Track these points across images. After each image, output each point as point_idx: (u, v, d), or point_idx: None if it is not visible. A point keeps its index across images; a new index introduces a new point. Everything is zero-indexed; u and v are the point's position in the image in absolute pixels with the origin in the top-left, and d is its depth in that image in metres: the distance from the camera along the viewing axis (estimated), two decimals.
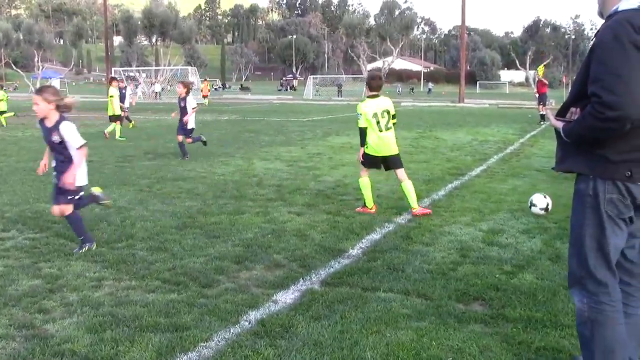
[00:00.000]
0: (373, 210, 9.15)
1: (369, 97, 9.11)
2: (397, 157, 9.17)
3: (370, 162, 9.18)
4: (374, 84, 9.09)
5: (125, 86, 25.66)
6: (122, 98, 24.35)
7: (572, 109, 3.69)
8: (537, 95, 30.01)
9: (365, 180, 9.19)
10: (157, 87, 69.31)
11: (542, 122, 28.65)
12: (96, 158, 15.06)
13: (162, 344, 4.54)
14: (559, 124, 3.72)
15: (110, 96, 21.63)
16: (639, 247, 3.77)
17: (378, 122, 8.92)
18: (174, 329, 4.81)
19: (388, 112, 8.98)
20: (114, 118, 21.53)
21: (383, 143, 8.98)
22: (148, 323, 4.91)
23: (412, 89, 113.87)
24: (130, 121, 25.41)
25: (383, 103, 9.00)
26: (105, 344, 4.51)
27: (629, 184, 3.50)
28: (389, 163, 9.17)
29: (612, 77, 3.28)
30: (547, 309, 5.29)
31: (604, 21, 3.59)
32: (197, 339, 4.62)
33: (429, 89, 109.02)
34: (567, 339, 4.70)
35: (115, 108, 21.50)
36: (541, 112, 29.19)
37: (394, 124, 9.14)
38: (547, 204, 8.96)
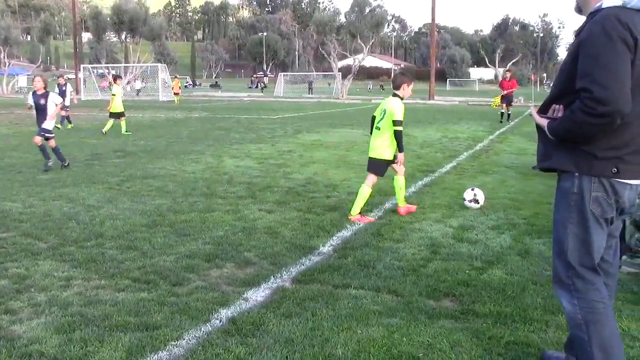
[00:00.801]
0: (414, 208, 9.03)
1: (393, 94, 8.69)
2: (374, 161, 8.66)
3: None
4: (392, 80, 8.83)
5: (66, 83, 24.72)
6: (62, 95, 23.93)
7: (555, 106, 3.63)
8: (505, 92, 29.77)
9: (399, 179, 8.91)
10: (138, 85, 68.65)
11: (501, 121, 28.63)
12: (65, 156, 14.89)
13: (133, 343, 4.50)
14: (544, 121, 3.63)
15: (113, 94, 22.29)
16: (615, 246, 3.79)
17: (377, 120, 8.70)
18: (144, 328, 4.77)
19: (384, 112, 8.54)
20: (114, 115, 21.98)
21: (371, 142, 8.75)
22: (118, 322, 4.87)
23: (382, 87, 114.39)
24: (70, 122, 24.57)
25: (387, 103, 8.59)
26: (74, 345, 4.46)
27: (614, 181, 3.45)
28: (369, 164, 8.80)
29: (602, 71, 3.24)
30: (516, 304, 5.34)
31: (584, 18, 3.56)
32: (168, 338, 4.59)
33: None
34: (536, 333, 4.75)
35: (117, 105, 21.99)
36: (503, 111, 29.14)
37: (394, 131, 8.42)
38: (475, 195, 9.30)
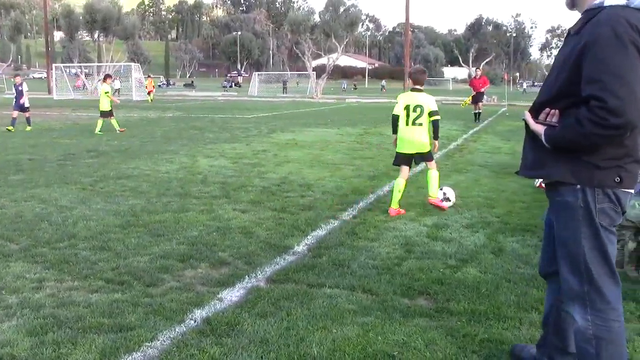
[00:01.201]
0: (403, 211, 8.96)
1: (412, 89, 9.11)
2: (423, 155, 9.17)
3: (399, 159, 9.18)
4: (413, 77, 9.18)
5: (22, 82, 23.58)
6: (18, 96, 23.33)
7: (551, 110, 3.37)
8: (483, 89, 29.24)
9: (400, 182, 9.00)
10: (117, 84, 67.88)
11: (477, 121, 28.40)
12: (37, 156, 14.78)
13: (106, 345, 4.47)
14: (540, 128, 3.37)
15: (106, 92, 22.53)
16: None
17: (408, 115, 8.95)
18: (118, 330, 4.74)
19: (421, 108, 8.91)
20: (105, 114, 22.15)
21: (406, 138, 8.98)
22: (91, 324, 4.83)
23: (355, 86, 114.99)
24: (13, 127, 22.51)
25: (419, 98, 8.96)
26: (46, 347, 4.41)
27: (617, 191, 3.28)
28: (416, 159, 9.24)
29: (613, 79, 3.00)
30: (490, 302, 5.37)
31: (580, 15, 3.34)
32: (142, 339, 4.56)
33: (382, 86, 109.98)
34: (509, 330, 4.78)
35: (105, 104, 22.17)
36: (476, 111, 28.96)
37: (433, 121, 9.04)
38: (444, 194, 9.42)
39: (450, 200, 9.26)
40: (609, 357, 3.38)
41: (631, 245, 6.16)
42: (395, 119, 9.10)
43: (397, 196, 8.96)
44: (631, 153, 3.26)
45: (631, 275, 6.08)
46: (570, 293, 3.48)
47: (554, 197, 3.50)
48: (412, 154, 9.07)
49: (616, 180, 3.25)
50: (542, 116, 3.41)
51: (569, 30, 3.42)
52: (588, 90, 3.08)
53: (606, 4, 3.18)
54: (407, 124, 8.96)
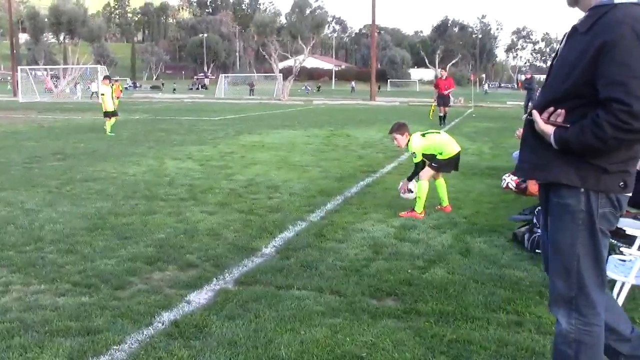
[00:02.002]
0: (422, 215, 8.91)
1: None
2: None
3: (447, 164, 9.20)
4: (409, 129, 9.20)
5: None
6: None
7: (558, 110, 3.20)
8: (446, 92, 28.81)
9: (426, 185, 8.99)
10: (94, 87, 66.71)
11: (441, 124, 27.69)
12: (2, 159, 14.60)
13: (74, 348, 4.44)
14: (549, 129, 3.20)
15: (102, 94, 22.68)
16: None
17: (433, 132, 9.25)
18: (86, 333, 4.71)
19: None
20: (108, 114, 22.32)
21: (450, 139, 9.24)
22: (58, 327, 4.80)
23: (319, 88, 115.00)
24: None
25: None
26: (13, 351, 4.37)
27: (620, 195, 3.21)
28: (458, 161, 9.33)
29: (638, 82, 2.90)
30: (458, 303, 5.42)
31: (585, 12, 3.22)
32: (110, 342, 4.54)
33: (352, 88, 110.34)
34: (477, 330, 4.83)
35: (107, 105, 22.30)
36: (441, 114, 28.74)
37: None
38: (409, 189, 9.49)
39: (412, 192, 9.23)
40: (587, 359, 3.32)
41: None
42: (419, 166, 9.14)
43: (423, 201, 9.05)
44: (637, 155, 3.21)
45: None
46: (557, 296, 3.39)
47: (551, 198, 3.36)
48: (458, 153, 9.23)
49: (621, 185, 3.17)
50: (545, 115, 3.25)
51: (575, 27, 3.27)
52: (609, 93, 2.96)
53: (617, 0, 3.06)
54: (439, 133, 9.33)
